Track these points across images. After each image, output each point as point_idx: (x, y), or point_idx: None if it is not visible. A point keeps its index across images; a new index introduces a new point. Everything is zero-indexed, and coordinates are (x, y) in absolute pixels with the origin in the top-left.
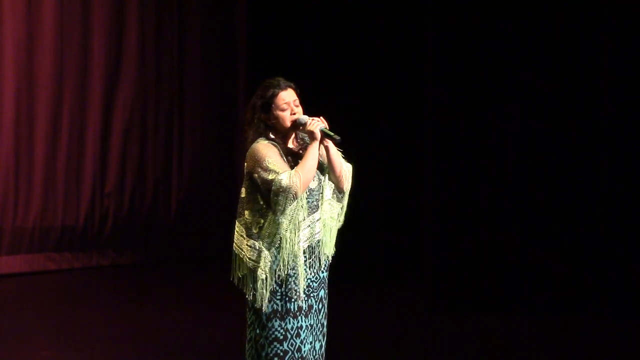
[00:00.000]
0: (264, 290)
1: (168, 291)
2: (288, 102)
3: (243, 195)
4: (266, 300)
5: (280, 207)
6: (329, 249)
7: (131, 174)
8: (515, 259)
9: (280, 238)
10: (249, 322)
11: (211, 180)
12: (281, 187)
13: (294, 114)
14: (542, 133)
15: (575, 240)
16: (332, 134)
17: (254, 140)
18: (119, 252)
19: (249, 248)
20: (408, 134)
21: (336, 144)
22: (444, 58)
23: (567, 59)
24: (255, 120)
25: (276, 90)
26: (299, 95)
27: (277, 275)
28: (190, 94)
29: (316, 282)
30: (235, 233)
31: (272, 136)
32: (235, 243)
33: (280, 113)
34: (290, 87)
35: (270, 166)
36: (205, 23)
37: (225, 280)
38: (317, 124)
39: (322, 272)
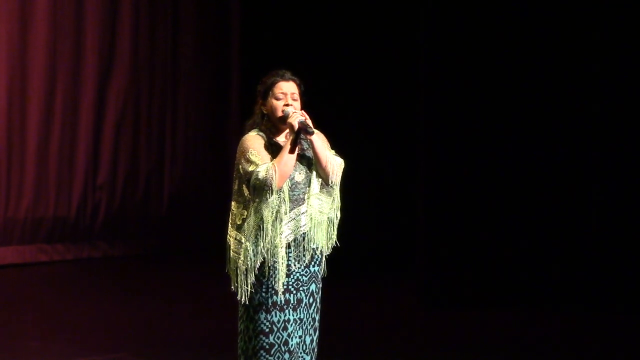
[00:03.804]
0: (244, 283)
1: (160, 283)
2: (285, 93)
3: (235, 187)
4: (246, 293)
5: (257, 199)
6: (320, 243)
7: (124, 166)
8: (509, 254)
9: (262, 229)
10: (239, 315)
11: (204, 172)
12: (258, 179)
13: (289, 105)
14: (535, 127)
15: (568, 234)
16: (308, 126)
17: (247, 131)
18: (111, 244)
19: (234, 240)
20: (401, 129)
21: (308, 135)
22: (437, 51)
23: (562, 58)
24: (257, 110)
25: (277, 79)
26: (302, 93)
27: (259, 268)
28: (184, 86)
29: (306, 276)
30: (228, 225)
31: (264, 127)
32: (228, 235)
33: (274, 102)
34: (294, 80)
35: (252, 158)
36: (200, 16)
37: (218, 272)
38: (297, 117)
39: (313, 266)
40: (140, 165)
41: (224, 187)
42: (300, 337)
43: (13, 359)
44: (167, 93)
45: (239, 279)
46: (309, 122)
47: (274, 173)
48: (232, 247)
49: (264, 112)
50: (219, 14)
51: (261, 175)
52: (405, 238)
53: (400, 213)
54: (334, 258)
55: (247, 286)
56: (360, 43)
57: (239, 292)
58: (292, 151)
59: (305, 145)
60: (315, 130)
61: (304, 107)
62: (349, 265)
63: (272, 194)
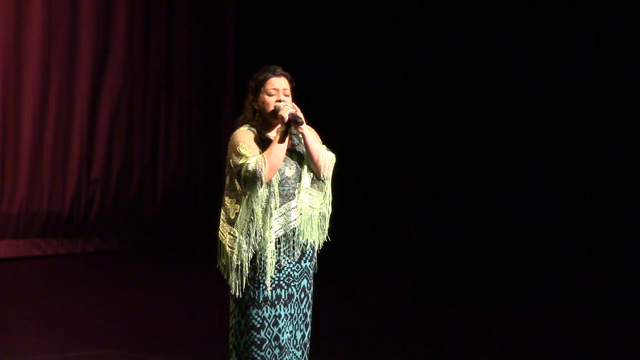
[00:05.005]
0: (238, 278)
1: (153, 279)
2: (277, 89)
3: (227, 182)
4: (240, 288)
5: (247, 192)
6: (310, 238)
7: (118, 161)
8: (501, 250)
9: (253, 222)
10: (230, 310)
11: (197, 168)
12: (247, 171)
13: (281, 101)
14: (530, 125)
15: (561, 234)
16: (298, 117)
17: (238, 126)
18: (104, 239)
19: (228, 235)
20: (396, 124)
21: (297, 126)
22: (433, 47)
23: (559, 58)
24: (248, 105)
25: (269, 75)
26: (293, 89)
27: (250, 262)
28: (178, 80)
29: (297, 272)
30: (220, 220)
31: (255, 122)
32: (220, 230)
33: (266, 97)
34: (285, 76)
35: (242, 151)
36: (194, 11)
37: (211, 268)
38: (287, 109)
39: (305, 261)
40: (134, 160)
41: (218, 183)
42: (291, 332)
43: (6, 353)
44: (162, 88)
45: (232, 274)
46: (300, 114)
47: (263, 164)
48: (227, 242)
49: (255, 107)
50: (213, 10)
51: (251, 167)
52: (399, 235)
53: (393, 209)
54: (328, 254)
55: (241, 280)
56: (355, 38)
57: (234, 287)
58: (281, 141)
59: (297, 141)
60: (307, 126)
61: (294, 101)
62: (342, 262)
63: (261, 185)
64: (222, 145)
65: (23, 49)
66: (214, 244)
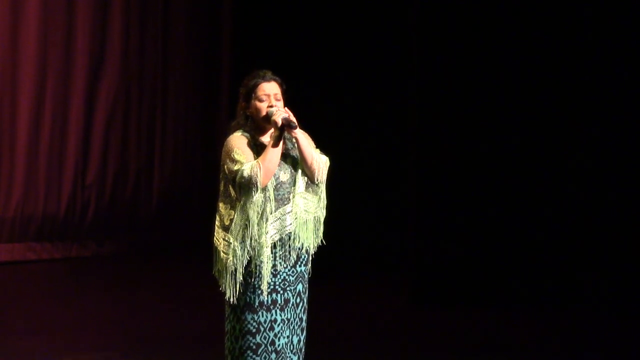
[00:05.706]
0: (233, 283)
1: (148, 282)
2: (268, 94)
3: (222, 188)
4: (235, 293)
5: (243, 198)
6: (305, 242)
7: (113, 164)
8: (500, 251)
9: (248, 229)
10: (226, 315)
11: (193, 171)
12: (243, 177)
13: (272, 106)
14: (524, 127)
15: (560, 231)
16: (291, 122)
17: (232, 132)
18: (100, 243)
19: (223, 241)
20: (392, 126)
21: (291, 130)
22: (429, 47)
23: (553, 59)
24: (240, 111)
25: (259, 81)
26: (284, 92)
27: (245, 267)
28: (174, 84)
29: (293, 276)
30: (215, 227)
31: (248, 128)
32: (215, 237)
33: (257, 103)
34: (275, 80)
35: (237, 157)
36: (190, 14)
37: (207, 272)
38: (280, 114)
39: (300, 265)
40: (129, 163)
41: (213, 185)
42: (288, 337)
43: (2, 357)
44: (157, 91)
45: (227, 279)
46: (293, 118)
47: (258, 170)
48: (221, 249)
49: (247, 113)
50: (209, 12)
51: (246, 173)
52: (396, 237)
53: (390, 212)
54: (324, 257)
55: (235, 286)
56: (351, 38)
57: (228, 293)
58: (275, 146)
59: (290, 145)
60: (300, 130)
61: (286, 105)
62: (339, 265)
63: (257, 191)
64: (218, 147)
65: (18, 50)
66: (210, 247)
